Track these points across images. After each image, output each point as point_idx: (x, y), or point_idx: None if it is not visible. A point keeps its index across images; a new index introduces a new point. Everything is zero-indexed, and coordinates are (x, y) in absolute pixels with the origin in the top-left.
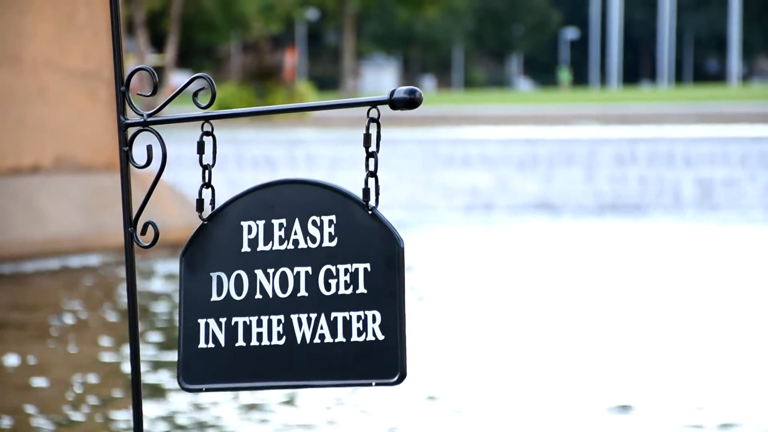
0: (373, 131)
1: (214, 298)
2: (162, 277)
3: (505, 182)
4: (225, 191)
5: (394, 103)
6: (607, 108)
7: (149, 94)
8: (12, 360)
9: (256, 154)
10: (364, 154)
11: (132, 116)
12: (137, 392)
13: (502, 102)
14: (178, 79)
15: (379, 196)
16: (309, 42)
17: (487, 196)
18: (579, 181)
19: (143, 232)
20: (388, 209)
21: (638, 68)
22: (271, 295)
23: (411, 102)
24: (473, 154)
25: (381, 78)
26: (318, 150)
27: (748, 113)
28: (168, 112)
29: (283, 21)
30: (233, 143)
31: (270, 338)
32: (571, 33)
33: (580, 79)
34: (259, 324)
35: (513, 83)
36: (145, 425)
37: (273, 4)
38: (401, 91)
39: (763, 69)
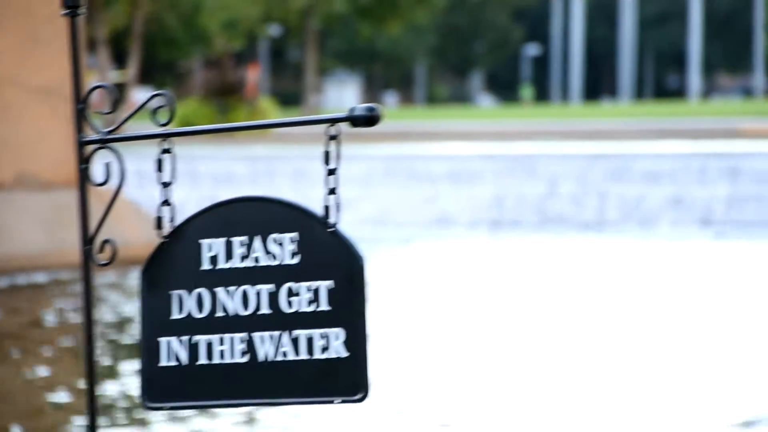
0: (332, 148)
1: (175, 316)
2: (128, 294)
3: (466, 197)
4: (186, 208)
5: (354, 120)
6: (569, 124)
7: (108, 111)
8: None
9: (217, 170)
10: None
11: (91, 134)
12: (93, 411)
13: (464, 118)
14: (140, 95)
15: (341, 213)
16: (272, 58)
17: (449, 211)
18: (539, 197)
19: (102, 250)
20: (351, 225)
21: (600, 84)
22: (232, 313)
23: (370, 119)
24: (436, 169)
25: (344, 94)
26: (280, 166)
27: (708, 129)
28: (131, 129)
29: (246, 37)
30: (194, 159)
31: (232, 356)
32: (533, 49)
33: (542, 95)
34: (221, 342)
35: (475, 99)
36: None
37: (235, 20)
38: (360, 108)
39: (723, 85)
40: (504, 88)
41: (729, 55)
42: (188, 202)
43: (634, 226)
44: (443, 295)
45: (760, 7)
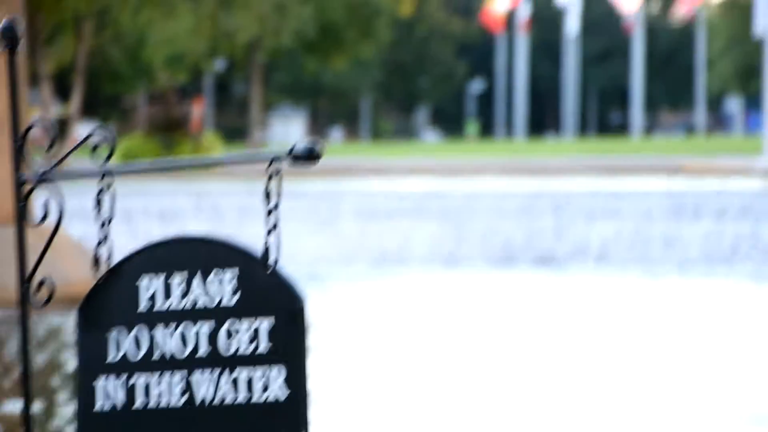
0: (273, 186)
1: (112, 357)
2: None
3: (413, 234)
4: (128, 245)
5: (295, 157)
6: (514, 160)
7: (48, 147)
8: None
9: (162, 206)
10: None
11: (30, 171)
12: None
13: (409, 153)
14: (83, 130)
15: (281, 251)
16: (217, 92)
17: (394, 247)
18: (485, 233)
19: (40, 289)
20: (294, 263)
21: (544, 120)
22: (170, 354)
23: (311, 156)
24: (381, 205)
25: (289, 128)
26: (225, 201)
27: (649, 165)
28: (74, 164)
29: (191, 71)
30: (138, 195)
31: (170, 399)
32: (477, 85)
33: (487, 130)
34: (158, 384)
35: (421, 134)
36: None
37: (180, 54)
38: (301, 145)
39: (666, 122)
40: (449, 123)
41: (671, 92)
42: (130, 239)
43: (581, 261)
44: (389, 333)
45: (701, 44)
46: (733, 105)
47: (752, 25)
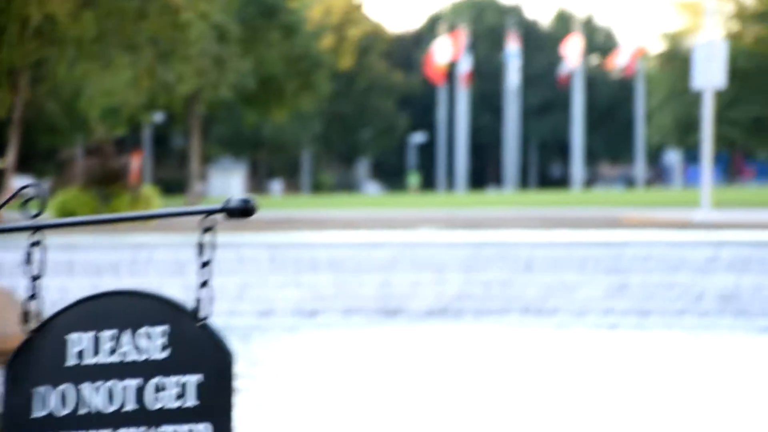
0: (207, 240)
1: (37, 414)
2: None
3: (351, 285)
4: (62, 299)
5: (229, 212)
6: (454, 212)
7: None
8: None
9: (98, 260)
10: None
11: None
12: None
13: (350, 205)
14: (18, 183)
15: (213, 306)
16: (156, 145)
17: (332, 300)
18: (425, 284)
19: None
20: (232, 315)
21: (485, 173)
22: (97, 410)
23: (245, 211)
24: (321, 257)
25: (229, 181)
26: (162, 254)
27: (589, 218)
28: (8, 219)
29: (129, 124)
30: (72, 249)
31: None
32: (418, 137)
33: (429, 182)
34: None
35: (362, 186)
36: None
37: (117, 107)
38: (235, 200)
39: (605, 174)
40: (390, 176)
41: (611, 144)
42: (63, 293)
43: (517, 314)
44: (324, 386)
45: (640, 98)
46: (672, 158)
47: (690, 78)
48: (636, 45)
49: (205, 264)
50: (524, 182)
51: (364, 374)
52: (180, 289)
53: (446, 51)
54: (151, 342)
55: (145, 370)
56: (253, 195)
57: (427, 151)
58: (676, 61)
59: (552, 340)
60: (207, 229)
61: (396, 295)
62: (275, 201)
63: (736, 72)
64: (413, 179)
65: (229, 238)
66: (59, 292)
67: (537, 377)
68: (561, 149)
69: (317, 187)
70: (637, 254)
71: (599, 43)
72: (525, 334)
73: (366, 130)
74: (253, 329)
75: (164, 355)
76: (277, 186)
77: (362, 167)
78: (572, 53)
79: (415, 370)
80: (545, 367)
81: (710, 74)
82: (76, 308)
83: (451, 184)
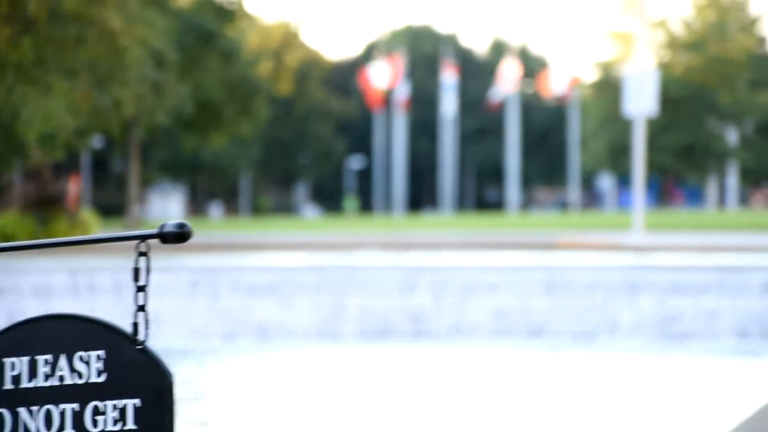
0: (142, 265)
1: None
2: None
3: (292, 308)
4: (2, 323)
5: (164, 237)
6: (392, 235)
7: None
8: None
9: (35, 284)
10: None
11: None
12: None
13: (288, 229)
14: None
15: (150, 329)
16: (94, 169)
17: (271, 322)
18: (363, 307)
19: None
20: (170, 338)
21: (422, 197)
22: None
23: (181, 236)
24: (260, 281)
25: (168, 205)
26: (101, 278)
27: (525, 241)
28: None
29: (67, 148)
30: (11, 272)
31: None
32: (356, 162)
33: (366, 206)
34: None
35: (301, 210)
36: None
37: (54, 132)
38: (171, 225)
39: (541, 198)
40: (329, 200)
41: (546, 169)
42: (2, 317)
43: (457, 337)
44: (264, 409)
45: (574, 123)
46: (606, 182)
47: (622, 105)
48: (571, 73)
49: (140, 288)
50: (461, 206)
51: (307, 397)
52: (120, 313)
53: (384, 76)
54: (88, 366)
55: (83, 394)
56: (188, 220)
57: (365, 175)
58: (609, 89)
59: (507, 361)
60: (142, 254)
61: (334, 318)
62: (214, 224)
63: (668, 100)
64: (350, 203)
65: (168, 262)
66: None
67: (472, 398)
68: (497, 174)
69: (256, 211)
70: (568, 278)
71: (535, 70)
72: (462, 356)
73: (304, 155)
74: (183, 352)
75: (102, 379)
76: (216, 209)
77: (301, 191)
78: (507, 80)
79: (360, 392)
80: (475, 388)
81: (642, 102)
82: (12, 332)
83: (388, 207)
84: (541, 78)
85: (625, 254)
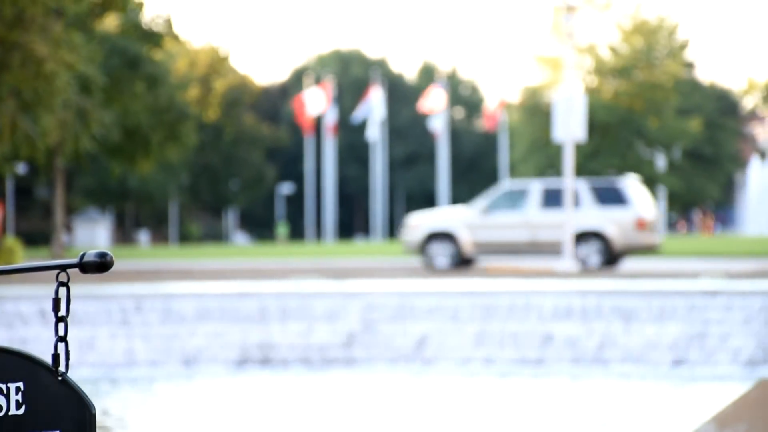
0: (62, 295)
1: None
2: None
3: (222, 337)
4: None
5: (84, 266)
6: (322, 262)
7: None
8: None
9: None
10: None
11: None
12: None
13: (218, 256)
14: None
15: (71, 360)
16: (18, 196)
17: (198, 351)
18: (297, 333)
19: None
20: (93, 368)
21: (353, 223)
22: None
23: (102, 265)
24: (188, 308)
25: (95, 232)
26: (26, 307)
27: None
28: None
29: None
30: None
31: None
32: (287, 188)
33: (297, 233)
34: None
35: (230, 237)
36: None
37: None
38: (91, 254)
39: None
40: (259, 226)
41: (476, 194)
42: None
43: (385, 364)
44: None
45: (504, 149)
46: None
47: (551, 130)
48: (499, 98)
49: (60, 319)
50: (392, 232)
51: (238, 425)
52: (43, 343)
53: (317, 102)
54: (6, 398)
55: (2, 427)
56: (115, 247)
57: (295, 201)
58: (538, 113)
59: (429, 389)
60: (62, 284)
61: (261, 346)
62: (142, 251)
63: (597, 125)
64: (282, 229)
65: (94, 290)
66: None
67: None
68: (427, 199)
69: (185, 238)
70: (498, 303)
71: (464, 95)
72: (395, 382)
73: (234, 181)
74: (111, 382)
75: (21, 411)
76: (144, 236)
77: (230, 218)
78: (435, 105)
79: (294, 419)
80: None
81: (570, 127)
82: None
83: (319, 234)
84: (470, 103)
85: (556, 279)
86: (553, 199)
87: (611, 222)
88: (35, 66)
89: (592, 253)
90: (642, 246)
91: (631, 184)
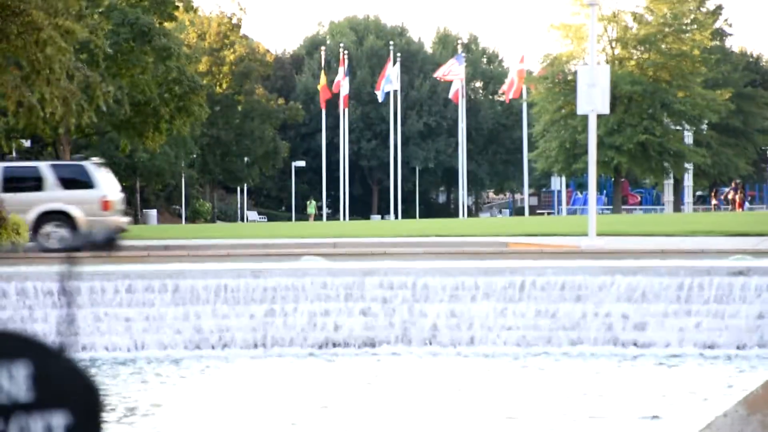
0: (71, 274)
1: None
2: None
3: (232, 318)
4: None
5: (93, 245)
6: (342, 240)
7: None
8: None
9: None
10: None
11: None
12: None
13: (231, 234)
14: None
15: (80, 340)
16: None
17: (215, 332)
18: (311, 315)
19: None
20: (105, 349)
21: (370, 201)
22: None
23: (109, 245)
24: (199, 287)
25: None
26: (35, 285)
27: (479, 244)
28: None
29: None
30: None
31: None
32: (300, 164)
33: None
34: None
35: (244, 215)
36: None
37: None
38: (100, 234)
39: (490, 200)
40: (271, 203)
41: (495, 171)
42: None
43: (409, 343)
44: (195, 424)
45: (525, 124)
46: (558, 184)
47: (576, 104)
48: (520, 70)
49: (68, 299)
50: (408, 210)
51: (247, 409)
52: (51, 323)
53: (336, 75)
54: (12, 381)
55: (8, 410)
56: (121, 225)
57: (312, 178)
58: (560, 86)
59: (433, 370)
60: (69, 264)
61: (278, 328)
62: (151, 229)
63: (620, 97)
64: (311, 207)
65: (103, 267)
66: None
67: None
68: (444, 176)
69: (195, 215)
70: (524, 281)
71: (483, 67)
72: (415, 365)
73: (246, 157)
74: (125, 363)
75: (28, 393)
76: (153, 214)
77: (242, 195)
78: (454, 76)
79: (301, 404)
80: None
81: (593, 99)
82: None
83: (335, 211)
84: (489, 75)
85: (580, 258)
86: (17, 182)
87: (77, 202)
88: (34, 34)
89: (58, 231)
90: (107, 225)
91: (94, 167)
